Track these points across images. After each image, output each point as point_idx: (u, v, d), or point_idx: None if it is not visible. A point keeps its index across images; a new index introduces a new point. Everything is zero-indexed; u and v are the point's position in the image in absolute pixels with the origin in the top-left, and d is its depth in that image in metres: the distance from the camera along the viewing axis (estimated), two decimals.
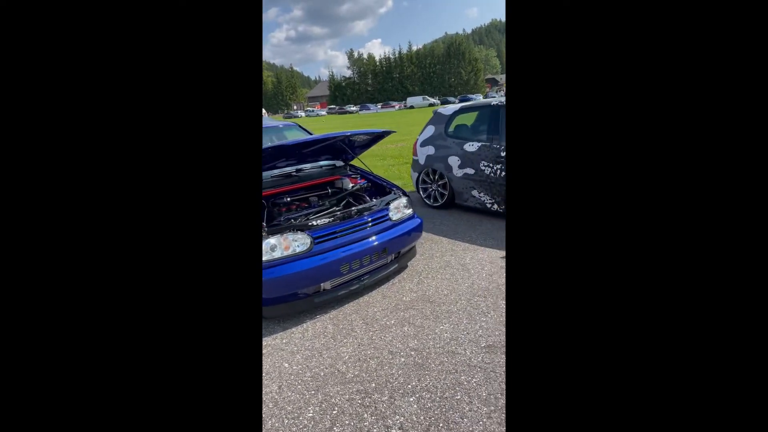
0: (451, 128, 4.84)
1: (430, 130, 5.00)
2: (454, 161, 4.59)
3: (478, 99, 51.72)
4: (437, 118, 5.00)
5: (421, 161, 5.02)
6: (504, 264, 3.25)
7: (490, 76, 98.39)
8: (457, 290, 2.89)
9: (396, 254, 3.02)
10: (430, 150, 4.90)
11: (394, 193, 3.19)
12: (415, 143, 5.18)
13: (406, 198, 3.18)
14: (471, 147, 4.42)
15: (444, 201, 4.82)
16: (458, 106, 4.95)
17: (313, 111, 55.69)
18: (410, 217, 3.11)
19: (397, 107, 50.14)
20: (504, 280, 2.95)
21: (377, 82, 73.28)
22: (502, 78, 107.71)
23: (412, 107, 47.15)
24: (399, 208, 3.06)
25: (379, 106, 52.66)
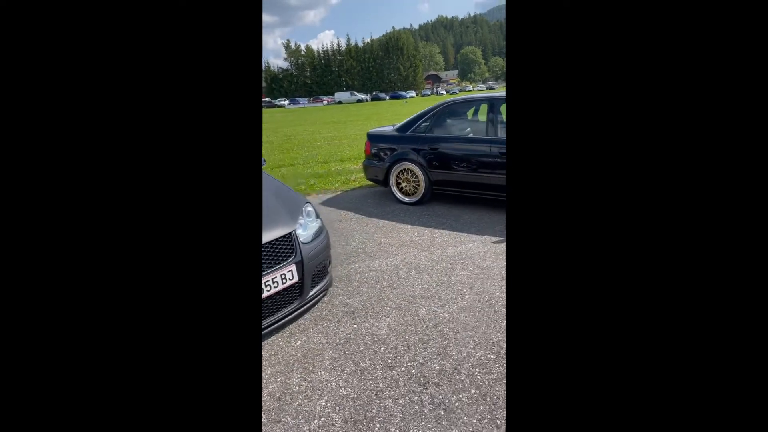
0: None
1: None
2: None
3: (409, 96, 51.68)
4: None
5: None
6: None
7: (432, 72, 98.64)
8: None
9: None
10: None
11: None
12: None
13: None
14: None
15: None
16: None
17: None
18: None
19: (325, 102, 48.93)
20: None
21: (316, 75, 71.14)
22: (445, 75, 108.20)
23: (340, 102, 46.12)
24: None
25: (309, 101, 51.28)
